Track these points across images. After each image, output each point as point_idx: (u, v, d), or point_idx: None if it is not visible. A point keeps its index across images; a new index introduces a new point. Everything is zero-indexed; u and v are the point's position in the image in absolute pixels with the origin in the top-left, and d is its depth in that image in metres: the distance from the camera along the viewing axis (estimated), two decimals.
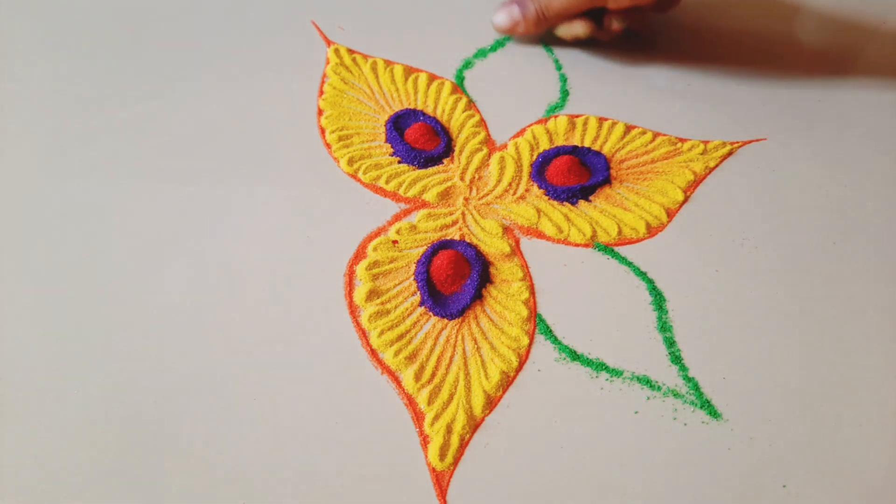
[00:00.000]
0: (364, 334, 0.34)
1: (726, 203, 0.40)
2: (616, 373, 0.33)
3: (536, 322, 0.35)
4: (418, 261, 0.37)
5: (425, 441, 0.31)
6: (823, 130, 0.44)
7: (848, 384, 0.33)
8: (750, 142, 0.43)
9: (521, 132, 0.43)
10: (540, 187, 0.40)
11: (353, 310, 0.35)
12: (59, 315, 0.35)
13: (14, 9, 0.51)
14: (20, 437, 0.31)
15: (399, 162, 0.41)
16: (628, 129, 0.43)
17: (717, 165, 0.41)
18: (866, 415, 0.32)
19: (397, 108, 0.44)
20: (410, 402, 0.32)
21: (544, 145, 0.42)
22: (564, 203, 0.39)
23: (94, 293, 0.35)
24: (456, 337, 0.34)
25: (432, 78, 0.46)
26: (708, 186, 0.40)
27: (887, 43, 0.51)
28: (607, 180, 0.40)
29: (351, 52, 0.47)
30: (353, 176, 0.41)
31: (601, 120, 0.44)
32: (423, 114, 0.43)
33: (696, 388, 0.32)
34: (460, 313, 0.35)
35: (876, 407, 0.32)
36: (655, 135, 0.43)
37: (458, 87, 0.46)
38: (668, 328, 0.34)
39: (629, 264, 0.37)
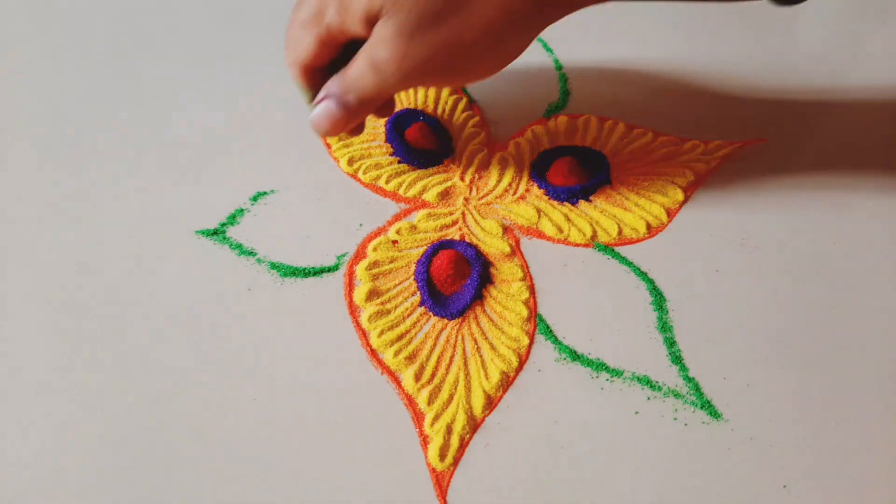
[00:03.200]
0: (364, 334, 0.34)
1: (726, 203, 0.40)
2: (616, 373, 0.33)
3: (536, 322, 0.35)
4: (418, 261, 0.37)
5: (425, 441, 0.31)
6: (823, 130, 0.44)
7: (848, 384, 0.33)
8: (750, 142, 0.43)
9: (522, 132, 0.43)
10: (540, 187, 0.40)
11: (353, 310, 0.35)
12: (58, 314, 0.35)
13: (14, 9, 0.51)
14: (20, 437, 0.31)
15: (399, 162, 0.41)
16: (629, 129, 0.43)
17: (717, 165, 0.41)
18: (866, 415, 0.32)
19: (397, 108, 0.44)
20: (410, 402, 0.32)
21: (544, 145, 0.42)
22: (564, 203, 0.39)
23: (95, 292, 0.35)
24: (456, 337, 0.34)
25: None
26: (708, 186, 0.40)
27: (887, 43, 0.51)
28: (607, 180, 0.40)
29: None
30: (353, 176, 0.41)
31: (601, 120, 0.44)
32: (423, 114, 0.43)
33: (697, 388, 0.32)
34: (460, 313, 0.35)
35: (876, 407, 0.32)
36: (656, 135, 0.43)
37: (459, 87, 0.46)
38: (668, 328, 0.34)
39: (629, 264, 0.37)
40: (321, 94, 0.34)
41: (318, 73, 0.35)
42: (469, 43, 0.31)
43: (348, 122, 0.34)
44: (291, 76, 0.35)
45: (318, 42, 0.33)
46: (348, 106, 0.33)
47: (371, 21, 0.30)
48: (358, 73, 0.32)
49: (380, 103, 0.35)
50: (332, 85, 0.34)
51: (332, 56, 0.34)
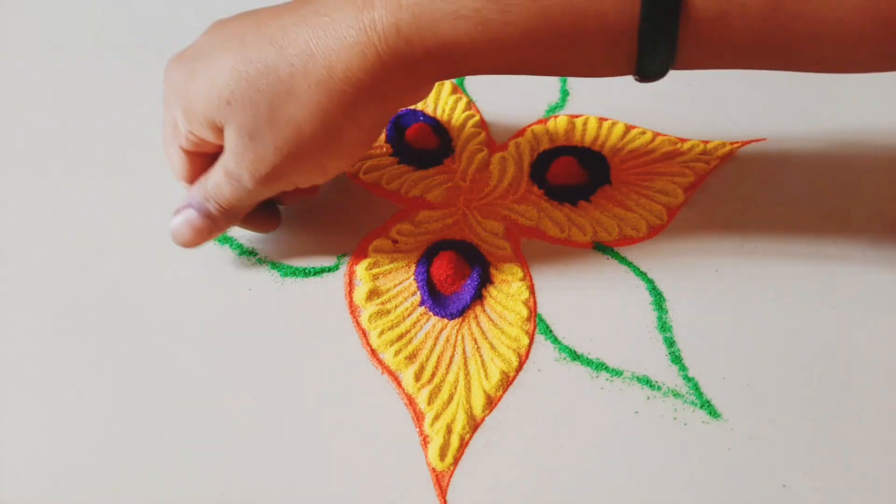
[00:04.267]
0: (364, 334, 0.34)
1: (726, 203, 0.40)
2: (616, 373, 0.33)
3: (536, 322, 0.35)
4: (418, 261, 0.37)
5: (425, 441, 0.31)
6: (823, 130, 0.44)
7: (848, 384, 0.33)
8: (750, 142, 0.43)
9: (521, 132, 0.43)
10: (540, 187, 0.40)
11: (353, 310, 0.35)
12: (58, 315, 0.35)
13: (13, 9, 0.51)
14: (20, 437, 0.31)
15: (399, 162, 0.41)
16: (628, 129, 0.43)
17: (717, 165, 0.41)
18: (866, 415, 0.32)
19: None
20: (410, 402, 0.32)
21: (544, 145, 0.42)
22: (564, 203, 0.39)
23: (95, 292, 0.35)
24: (456, 337, 0.34)
25: None
26: (708, 186, 0.40)
27: None
28: (607, 180, 0.40)
29: None
30: (353, 176, 0.41)
31: (601, 120, 0.44)
32: (423, 114, 0.43)
33: (696, 387, 0.32)
34: (460, 313, 0.35)
35: (876, 407, 0.32)
36: (655, 135, 0.43)
37: (458, 87, 0.46)
38: (668, 328, 0.34)
39: (629, 264, 0.37)
40: (184, 202, 0.33)
41: None
42: (309, 134, 0.29)
43: (213, 231, 0.34)
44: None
45: (184, 155, 0.33)
46: (212, 215, 0.33)
47: (219, 130, 0.30)
48: (215, 184, 0.32)
49: (247, 210, 0.34)
50: (195, 192, 0.33)
51: (209, 164, 0.33)
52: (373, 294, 0.35)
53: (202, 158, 0.33)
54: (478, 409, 0.32)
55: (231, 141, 0.30)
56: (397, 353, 0.33)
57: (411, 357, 0.33)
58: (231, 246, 0.37)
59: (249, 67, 0.29)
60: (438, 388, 0.32)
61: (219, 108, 0.29)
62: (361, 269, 0.36)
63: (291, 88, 0.28)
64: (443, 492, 0.30)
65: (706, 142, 0.43)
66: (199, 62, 0.31)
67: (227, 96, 0.29)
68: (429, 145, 0.42)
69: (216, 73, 0.30)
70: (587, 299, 0.36)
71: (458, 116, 0.44)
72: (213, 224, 0.33)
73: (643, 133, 0.43)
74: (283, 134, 0.29)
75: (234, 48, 0.30)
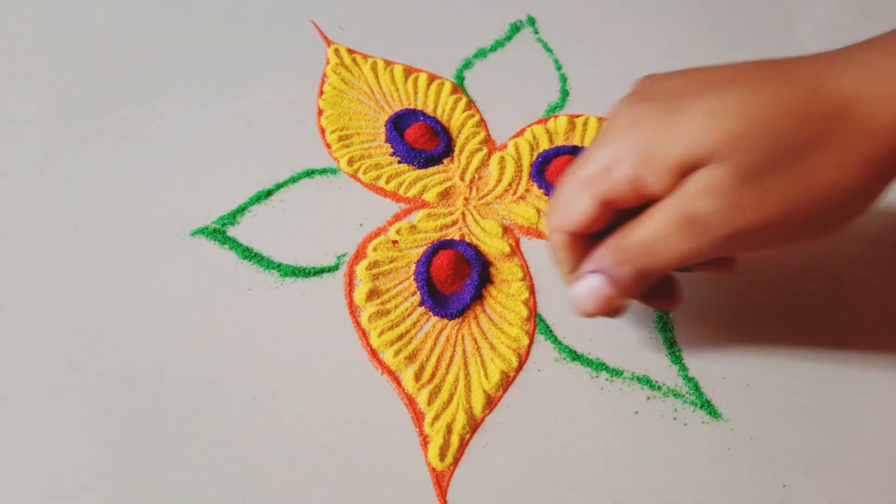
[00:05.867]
0: (364, 334, 0.34)
1: None
2: (616, 373, 0.33)
3: (536, 322, 0.35)
4: (418, 261, 0.37)
5: (425, 441, 0.31)
6: None
7: (848, 384, 0.33)
8: None
9: (521, 132, 0.43)
10: (540, 187, 0.40)
11: (353, 310, 0.35)
12: (58, 315, 0.35)
13: (14, 9, 0.51)
14: (20, 438, 0.31)
15: (399, 162, 0.41)
16: None
17: None
18: (866, 415, 0.32)
19: (397, 108, 0.44)
20: (410, 402, 0.32)
21: (544, 145, 0.42)
22: None
23: (95, 293, 0.35)
24: (456, 337, 0.34)
25: (432, 78, 0.46)
26: None
27: None
28: None
29: (351, 52, 0.47)
30: (353, 176, 0.41)
31: (601, 120, 0.44)
32: (423, 114, 0.43)
33: (697, 388, 0.32)
34: (460, 313, 0.35)
35: (876, 407, 0.32)
36: None
37: (458, 87, 0.46)
38: (668, 328, 0.34)
39: None
40: (588, 266, 0.28)
41: (584, 241, 0.29)
42: (832, 190, 0.25)
43: (616, 301, 0.28)
44: (551, 243, 0.30)
45: (596, 204, 0.27)
46: (621, 281, 0.27)
47: (684, 171, 0.25)
48: (650, 238, 0.26)
49: (661, 276, 0.28)
50: (605, 256, 0.27)
51: (609, 223, 0.28)
52: (373, 294, 0.35)
53: (609, 215, 0.28)
54: (478, 409, 0.32)
55: (713, 182, 0.25)
56: (397, 353, 0.33)
57: (411, 357, 0.33)
58: (231, 246, 0.37)
59: (766, 104, 0.25)
60: (438, 388, 0.32)
61: (715, 142, 0.25)
62: (361, 269, 0.36)
63: (824, 133, 0.24)
64: (443, 492, 0.30)
65: None
66: (683, 100, 0.26)
67: (736, 131, 0.24)
68: (429, 145, 0.42)
69: (717, 107, 0.25)
70: None
71: (458, 116, 0.44)
72: (620, 291, 0.28)
73: None
74: (803, 184, 0.24)
75: (739, 85, 0.26)
